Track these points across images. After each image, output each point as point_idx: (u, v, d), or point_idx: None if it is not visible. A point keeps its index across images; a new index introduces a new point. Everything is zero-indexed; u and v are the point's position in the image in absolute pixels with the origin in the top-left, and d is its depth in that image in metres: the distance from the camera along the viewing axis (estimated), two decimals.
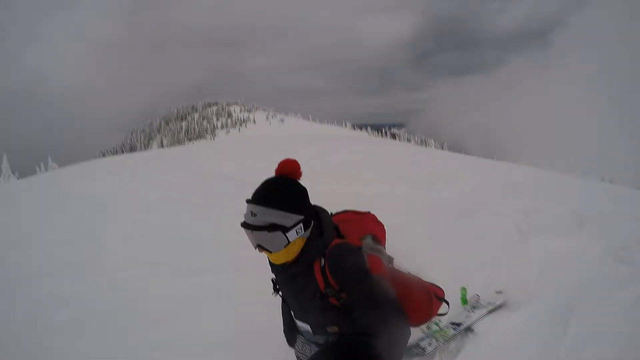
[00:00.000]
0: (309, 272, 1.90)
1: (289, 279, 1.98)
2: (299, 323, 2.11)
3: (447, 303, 2.40)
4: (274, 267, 2.06)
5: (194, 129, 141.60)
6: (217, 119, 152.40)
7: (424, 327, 3.06)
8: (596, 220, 5.32)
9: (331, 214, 2.15)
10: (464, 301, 3.51)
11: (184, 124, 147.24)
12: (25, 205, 8.22)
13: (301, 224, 1.84)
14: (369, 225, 2.24)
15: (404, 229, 5.45)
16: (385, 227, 2.34)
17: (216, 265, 4.67)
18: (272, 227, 1.77)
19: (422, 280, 2.31)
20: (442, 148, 78.28)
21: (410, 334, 1.80)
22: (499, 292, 3.60)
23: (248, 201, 1.85)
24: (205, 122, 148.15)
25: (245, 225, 1.82)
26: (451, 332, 3.13)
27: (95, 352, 3.31)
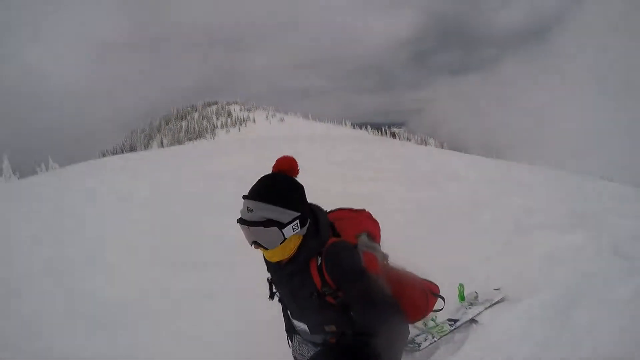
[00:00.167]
0: (305, 270, 1.89)
1: (285, 277, 1.97)
2: (296, 323, 2.10)
3: (443, 299, 2.40)
4: (269, 265, 2.06)
5: (194, 128, 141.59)
6: (217, 119, 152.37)
7: (420, 323, 3.11)
8: (595, 217, 5.34)
9: (326, 211, 2.14)
10: (462, 298, 3.53)
11: (184, 123, 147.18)
12: (28, 205, 8.25)
13: (297, 221, 1.83)
14: (364, 223, 2.22)
15: (404, 227, 5.48)
16: (380, 225, 2.33)
17: (219, 261, 4.70)
18: (268, 223, 1.76)
19: (417, 277, 2.31)
20: (442, 147, 78.33)
21: (409, 331, 1.78)
22: (497, 289, 3.62)
23: (245, 197, 1.84)
24: (205, 122, 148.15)
25: (241, 221, 1.81)
26: (447, 328, 3.17)
27: (101, 347, 3.37)
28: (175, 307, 3.98)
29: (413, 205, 6.99)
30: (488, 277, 3.98)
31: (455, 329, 3.17)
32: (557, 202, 6.39)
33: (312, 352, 2.05)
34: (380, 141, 27.14)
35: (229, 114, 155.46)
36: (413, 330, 3.11)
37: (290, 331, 2.26)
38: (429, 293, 2.29)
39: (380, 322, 1.64)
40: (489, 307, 3.37)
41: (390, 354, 1.65)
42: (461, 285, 3.56)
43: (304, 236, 1.89)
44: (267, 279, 2.15)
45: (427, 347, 3.01)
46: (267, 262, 2.05)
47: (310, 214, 1.94)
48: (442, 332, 3.12)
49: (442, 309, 2.47)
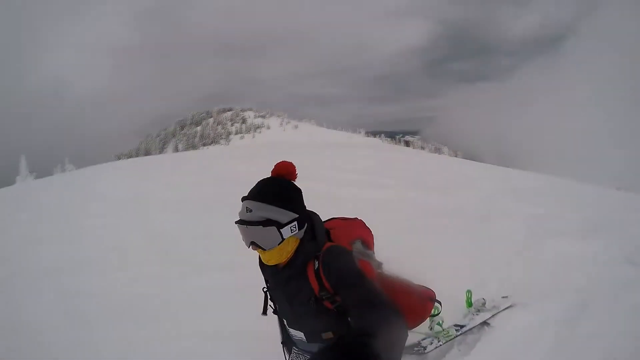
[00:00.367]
0: (302, 275, 1.88)
1: (282, 282, 1.96)
2: (292, 332, 2.08)
3: (440, 303, 2.38)
4: (266, 270, 2.05)
5: (209, 134, 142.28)
6: (232, 125, 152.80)
7: (427, 327, 3.14)
8: (608, 226, 5.33)
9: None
10: (469, 304, 3.55)
11: (198, 129, 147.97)
12: (47, 204, 8.48)
13: (296, 222, 1.84)
14: (358, 231, 2.22)
15: (418, 233, 5.55)
16: (373, 233, 2.33)
17: (231, 263, 4.79)
18: (267, 223, 1.77)
19: (412, 283, 2.28)
20: (456, 155, 77.70)
21: (407, 335, 1.74)
22: (505, 297, 3.64)
23: (244, 198, 1.85)
24: (219, 128, 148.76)
25: (239, 221, 1.81)
26: (454, 332, 3.20)
27: (121, 342, 3.48)
28: (193, 303, 4.09)
29: (428, 212, 7.02)
30: (499, 283, 4.01)
31: (461, 334, 3.21)
32: (570, 210, 6.38)
33: None
34: (393, 149, 27.11)
35: (244, 120, 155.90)
36: (419, 334, 3.14)
37: (287, 343, 2.23)
38: (425, 298, 2.27)
39: (379, 324, 1.61)
40: (496, 314, 3.40)
41: (390, 355, 1.62)
42: (469, 291, 3.57)
43: (301, 240, 1.90)
44: (263, 289, 2.12)
45: (432, 350, 3.04)
46: (263, 267, 2.05)
47: (307, 219, 1.94)
48: (447, 336, 3.15)
49: (439, 313, 2.49)
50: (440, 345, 3.09)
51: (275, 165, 1.94)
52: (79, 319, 3.85)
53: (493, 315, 3.38)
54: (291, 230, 1.82)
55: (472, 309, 3.52)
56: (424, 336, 3.19)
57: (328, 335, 1.93)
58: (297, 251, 1.88)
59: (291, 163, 1.95)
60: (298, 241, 1.89)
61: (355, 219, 2.32)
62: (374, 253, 2.25)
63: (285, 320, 2.11)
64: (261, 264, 2.03)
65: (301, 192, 1.92)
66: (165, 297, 4.25)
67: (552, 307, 3.33)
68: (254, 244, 1.81)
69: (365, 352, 1.50)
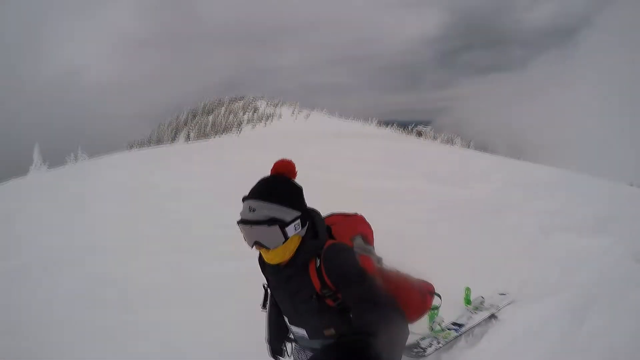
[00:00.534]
0: (304, 273, 1.88)
1: (283, 280, 1.95)
2: (294, 329, 2.08)
3: (439, 296, 2.37)
4: (266, 269, 2.04)
5: (221, 123, 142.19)
6: (244, 114, 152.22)
7: (426, 327, 3.19)
8: (618, 222, 5.33)
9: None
10: (467, 301, 3.54)
11: (210, 117, 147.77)
12: (63, 193, 8.62)
13: (299, 221, 1.84)
14: (358, 226, 2.21)
15: (430, 225, 5.59)
16: (372, 228, 2.32)
17: (247, 252, 4.88)
18: (271, 221, 1.76)
19: (412, 277, 2.26)
20: (468, 146, 76.96)
21: (409, 332, 1.75)
22: (502, 294, 3.63)
23: (245, 198, 1.85)
24: (231, 117, 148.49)
25: (242, 221, 1.81)
26: (453, 334, 3.20)
27: (141, 326, 3.61)
28: (209, 290, 4.18)
29: (440, 203, 7.07)
30: (504, 277, 4.02)
31: (460, 334, 3.21)
32: (581, 205, 6.37)
33: None
34: (406, 141, 27.00)
35: (255, 110, 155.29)
36: (418, 334, 3.18)
37: (281, 340, 2.25)
38: (425, 292, 2.26)
39: (381, 322, 1.62)
40: (494, 313, 3.40)
41: (391, 354, 1.64)
42: (468, 288, 3.56)
43: (303, 238, 1.90)
44: (263, 285, 2.14)
45: (432, 352, 3.06)
46: (263, 266, 2.06)
47: (309, 217, 1.94)
48: (447, 337, 3.16)
49: (439, 306, 2.49)
50: (441, 347, 3.11)
51: (274, 164, 1.94)
52: (95, 306, 3.98)
53: (491, 315, 3.39)
54: (295, 228, 1.83)
55: (471, 306, 3.52)
56: (423, 336, 3.21)
57: (330, 331, 1.93)
58: (299, 249, 1.88)
59: (290, 161, 1.95)
60: (300, 239, 1.89)
61: (356, 214, 2.32)
62: (374, 248, 2.25)
63: (286, 318, 2.10)
64: (261, 263, 2.06)
65: (302, 191, 1.92)
66: (179, 285, 4.36)
67: (558, 302, 3.36)
68: (257, 244, 1.81)
69: (366, 352, 1.53)
